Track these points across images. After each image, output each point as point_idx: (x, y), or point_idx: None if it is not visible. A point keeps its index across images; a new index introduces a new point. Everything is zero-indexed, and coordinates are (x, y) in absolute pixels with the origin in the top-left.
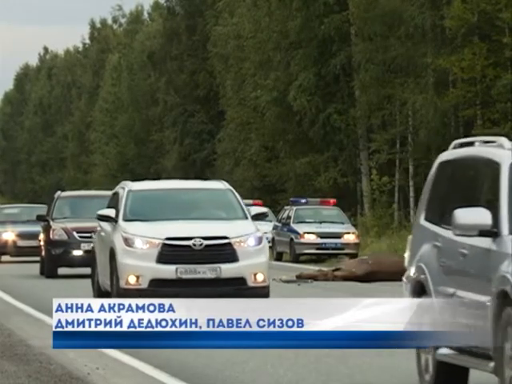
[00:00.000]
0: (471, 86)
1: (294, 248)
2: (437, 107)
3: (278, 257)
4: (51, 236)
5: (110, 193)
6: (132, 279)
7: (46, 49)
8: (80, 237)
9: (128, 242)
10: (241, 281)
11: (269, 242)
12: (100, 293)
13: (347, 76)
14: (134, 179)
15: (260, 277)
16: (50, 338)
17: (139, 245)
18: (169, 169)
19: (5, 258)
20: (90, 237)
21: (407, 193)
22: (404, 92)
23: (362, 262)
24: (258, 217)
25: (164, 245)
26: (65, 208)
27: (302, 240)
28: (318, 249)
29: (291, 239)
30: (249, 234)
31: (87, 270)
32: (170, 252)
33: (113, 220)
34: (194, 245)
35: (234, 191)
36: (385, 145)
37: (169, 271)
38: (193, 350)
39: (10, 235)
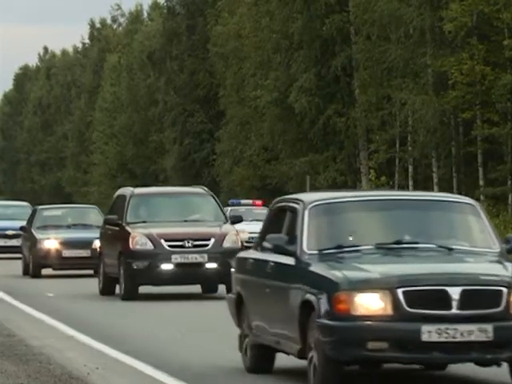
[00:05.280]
0: (471, 87)
1: None
2: (436, 108)
3: None
4: (131, 245)
5: (191, 189)
6: None
7: (45, 49)
8: (169, 246)
9: None
10: None
11: None
12: None
13: (347, 76)
14: (134, 179)
15: None
16: (50, 337)
17: None
18: (168, 169)
19: (46, 271)
20: (182, 246)
21: None
22: (403, 92)
23: None
24: None
25: None
26: (142, 209)
27: None
28: None
29: None
30: None
31: (176, 289)
32: None
33: None
34: None
35: None
36: (384, 145)
37: None
38: (193, 350)
39: (52, 243)
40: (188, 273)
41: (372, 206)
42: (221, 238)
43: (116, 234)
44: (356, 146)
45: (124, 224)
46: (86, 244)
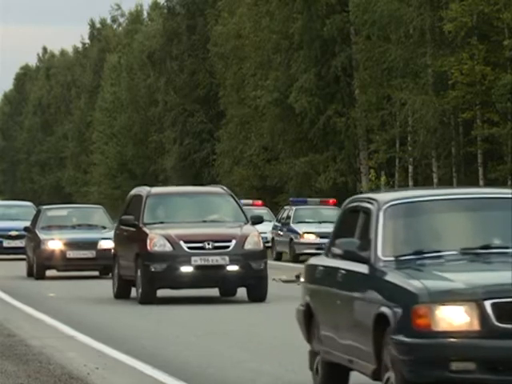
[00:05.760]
0: (471, 87)
1: (294, 248)
2: (436, 108)
3: (278, 257)
4: (148, 247)
5: (210, 189)
6: None
7: (44, 49)
8: (189, 248)
9: None
10: None
11: (268, 242)
12: None
13: (347, 76)
14: (134, 179)
15: None
16: (50, 337)
17: None
18: (168, 169)
19: (50, 272)
20: (202, 247)
21: None
22: (403, 92)
23: None
24: None
25: None
26: (160, 209)
27: (302, 240)
28: (317, 249)
29: (291, 239)
30: None
31: (192, 292)
32: None
33: None
34: None
35: None
36: (384, 145)
37: None
38: (193, 350)
39: (57, 244)
40: (208, 275)
41: (456, 206)
42: (242, 239)
43: (132, 235)
44: (356, 146)
45: (141, 225)
46: (91, 245)
